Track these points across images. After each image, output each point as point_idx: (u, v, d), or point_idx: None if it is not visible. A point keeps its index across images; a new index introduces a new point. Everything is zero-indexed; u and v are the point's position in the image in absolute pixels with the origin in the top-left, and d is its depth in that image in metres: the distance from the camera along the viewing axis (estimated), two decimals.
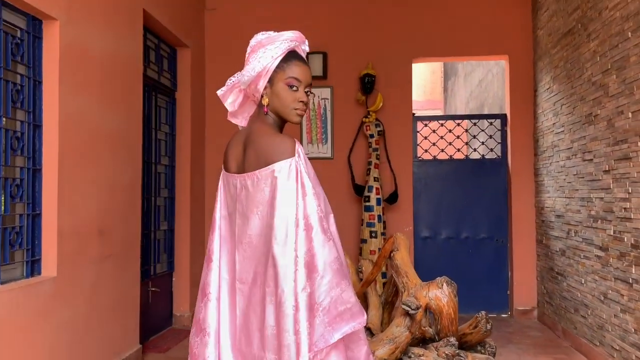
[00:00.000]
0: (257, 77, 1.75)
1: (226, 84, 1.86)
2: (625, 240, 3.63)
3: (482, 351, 2.79)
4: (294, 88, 1.76)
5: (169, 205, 5.27)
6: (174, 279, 5.33)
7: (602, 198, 4.00)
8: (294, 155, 1.65)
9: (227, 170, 1.86)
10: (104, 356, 3.65)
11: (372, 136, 5.57)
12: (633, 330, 3.53)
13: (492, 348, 2.82)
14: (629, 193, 3.58)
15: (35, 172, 3.09)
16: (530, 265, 5.64)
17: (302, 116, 1.78)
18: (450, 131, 6.01)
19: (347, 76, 5.81)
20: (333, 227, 1.71)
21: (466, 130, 6.21)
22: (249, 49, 1.81)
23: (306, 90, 1.79)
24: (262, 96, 1.78)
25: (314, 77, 5.77)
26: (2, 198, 2.86)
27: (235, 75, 1.85)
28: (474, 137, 6.05)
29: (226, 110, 1.89)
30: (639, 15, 3.44)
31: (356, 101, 5.76)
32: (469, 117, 6.41)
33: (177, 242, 5.35)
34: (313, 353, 1.53)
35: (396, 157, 5.73)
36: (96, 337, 3.56)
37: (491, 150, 5.96)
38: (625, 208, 3.64)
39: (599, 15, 4.05)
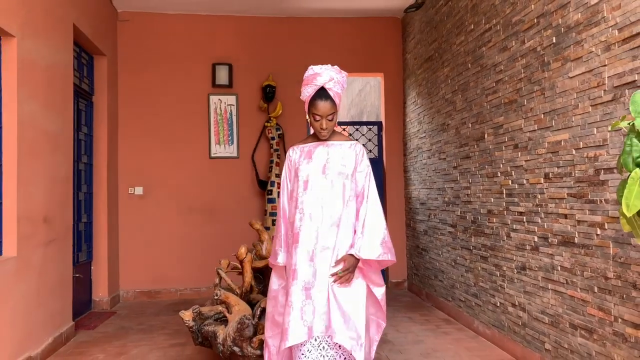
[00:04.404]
0: (304, 102, 2.68)
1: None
2: (467, 218, 4.89)
3: None
4: (317, 119, 2.65)
5: (89, 199, 5.74)
6: (92, 267, 5.81)
7: (452, 187, 5.25)
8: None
9: None
10: (48, 328, 4.17)
11: (273, 138, 6.45)
12: (473, 284, 4.78)
13: None
14: (469, 183, 4.84)
15: None
16: (401, 245, 6.86)
17: (325, 136, 2.68)
18: None
19: (251, 85, 6.62)
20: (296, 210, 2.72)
21: (350, 135, 7.32)
22: (304, 79, 2.69)
23: (328, 118, 2.64)
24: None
25: (221, 86, 6.56)
26: None
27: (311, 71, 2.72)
28: (357, 140, 7.15)
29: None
30: (475, 52, 4.69)
31: (259, 108, 6.60)
32: (353, 123, 7.51)
33: (96, 233, 5.84)
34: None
35: None
36: (43, 311, 4.08)
37: (370, 151, 7.12)
38: (467, 194, 4.89)
39: (450, 48, 5.29)
